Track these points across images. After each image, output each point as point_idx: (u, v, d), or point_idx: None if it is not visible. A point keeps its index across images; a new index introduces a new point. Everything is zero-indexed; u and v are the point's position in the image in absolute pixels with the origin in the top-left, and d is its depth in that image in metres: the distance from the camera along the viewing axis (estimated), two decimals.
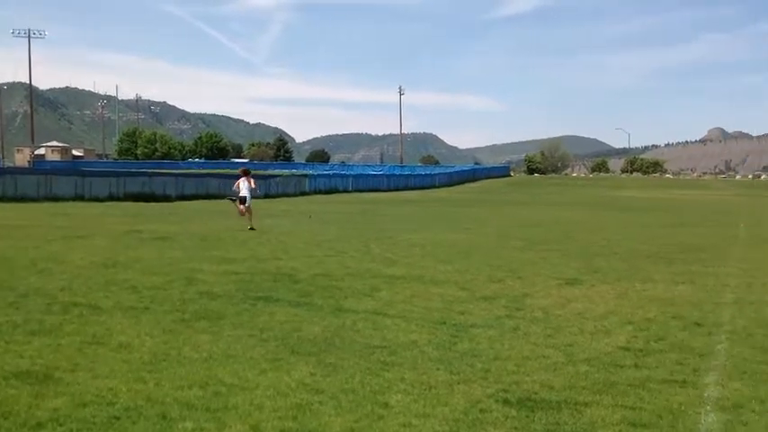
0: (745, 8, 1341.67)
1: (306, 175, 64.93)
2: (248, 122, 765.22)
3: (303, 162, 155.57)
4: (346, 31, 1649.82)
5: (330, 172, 79.94)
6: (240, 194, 24.29)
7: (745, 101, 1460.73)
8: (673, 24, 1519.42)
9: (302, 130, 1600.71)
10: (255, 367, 7.45)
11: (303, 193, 57.48)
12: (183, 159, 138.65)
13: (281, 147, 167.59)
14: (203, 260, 15.50)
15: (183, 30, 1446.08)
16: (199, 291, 11.77)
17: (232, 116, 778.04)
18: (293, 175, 64.67)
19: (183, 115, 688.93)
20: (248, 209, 24.05)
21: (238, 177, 25.37)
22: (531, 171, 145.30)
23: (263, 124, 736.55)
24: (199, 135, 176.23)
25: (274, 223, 27.00)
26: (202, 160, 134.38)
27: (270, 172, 69.79)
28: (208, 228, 24.07)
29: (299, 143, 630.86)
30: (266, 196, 50.58)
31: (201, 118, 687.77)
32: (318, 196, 55.73)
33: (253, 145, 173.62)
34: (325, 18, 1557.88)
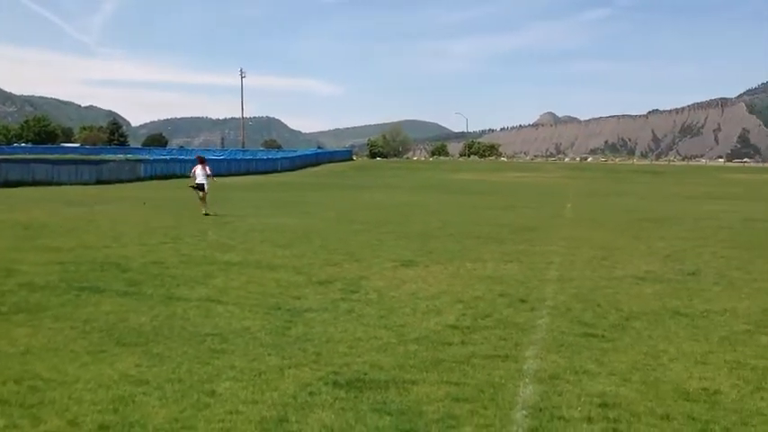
0: None
1: (141, 161, 62.57)
2: (80, 105, 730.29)
3: (139, 147, 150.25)
4: (185, 12, 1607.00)
5: (167, 157, 77.35)
6: (197, 181, 25.25)
7: (574, 87, 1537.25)
8: (508, 12, 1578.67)
9: (139, 114, 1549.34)
10: (77, 360, 7.15)
11: (138, 179, 55.40)
12: (9, 144, 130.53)
13: (114, 131, 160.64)
14: (25, 250, 14.69)
15: (6, 6, 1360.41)
16: (18, 282, 11.16)
17: (62, 99, 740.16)
18: (127, 160, 62.06)
19: (9, 97, 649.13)
20: (204, 195, 25.01)
21: (194, 165, 26.25)
22: (373, 155, 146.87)
23: (96, 107, 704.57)
24: (25, 118, 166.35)
25: (105, 210, 25.94)
26: (30, 145, 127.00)
27: (102, 157, 66.98)
28: (32, 216, 22.82)
29: (136, 127, 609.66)
30: (98, 182, 48.54)
31: (29, 100, 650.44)
32: (155, 182, 53.93)
33: (84, 129, 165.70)
34: None
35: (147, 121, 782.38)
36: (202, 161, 26.19)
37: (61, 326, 8.53)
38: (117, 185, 47.13)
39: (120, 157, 67.75)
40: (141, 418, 5.67)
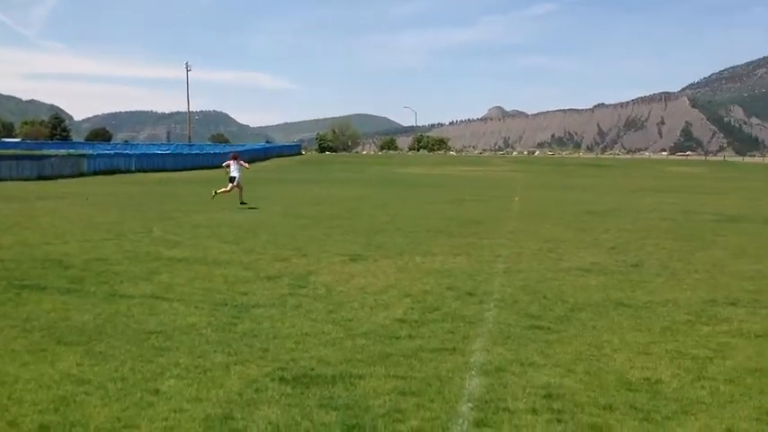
0: None
1: (84, 155, 61.28)
2: (21, 99, 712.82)
3: (82, 141, 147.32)
4: (130, 4, 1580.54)
5: (112, 151, 75.82)
6: (231, 174, 27.72)
7: (522, 81, 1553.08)
8: (456, 6, 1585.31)
9: (82, 108, 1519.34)
10: (16, 360, 6.99)
11: (81, 174, 54.33)
12: None
13: (57, 125, 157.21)
14: None
15: None
16: None
17: (2, 93, 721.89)
18: (70, 155, 60.70)
19: None
20: (239, 185, 27.55)
21: (229, 161, 28.69)
22: (322, 149, 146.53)
23: (38, 101, 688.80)
24: None
25: (47, 206, 25.41)
26: None
27: (44, 152, 65.42)
28: None
29: (79, 121, 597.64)
30: (40, 178, 47.52)
31: None
32: (99, 177, 53.01)
33: (26, 123, 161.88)
34: None
35: (91, 115, 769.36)
36: (236, 157, 28.73)
37: (1, 325, 8.33)
38: (59, 181, 46.17)
39: (63, 152, 66.21)
40: (82, 417, 5.56)
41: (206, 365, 6.94)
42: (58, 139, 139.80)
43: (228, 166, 28.43)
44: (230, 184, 27.70)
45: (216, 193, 27.60)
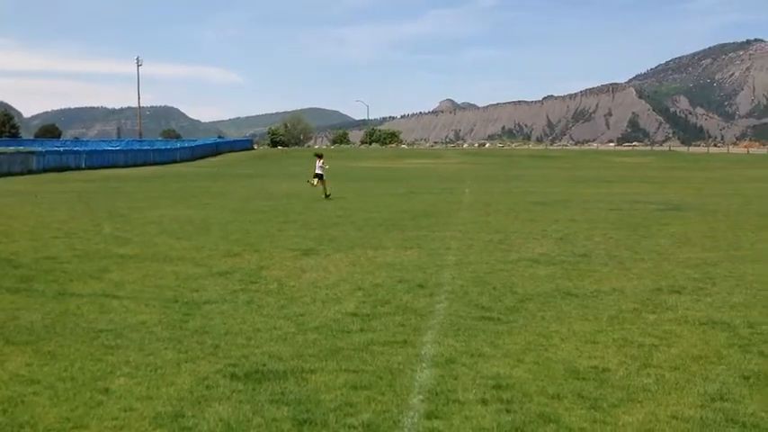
0: None
1: (33, 152, 60.12)
2: None
3: (31, 138, 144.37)
4: None
5: (61, 148, 74.52)
6: (316, 172, 30.33)
7: (472, 74, 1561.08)
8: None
9: (31, 104, 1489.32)
10: None
11: (30, 172, 53.40)
12: None
13: (5, 122, 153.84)
14: None
15: None
16: None
17: None
18: (18, 152, 59.52)
19: None
20: (323, 181, 29.97)
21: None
22: (274, 144, 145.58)
23: None
24: None
25: None
26: None
27: None
28: None
29: (28, 118, 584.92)
30: None
31: None
32: (48, 174, 52.10)
33: None
34: None
35: (40, 111, 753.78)
36: (320, 156, 31.04)
37: None
38: (7, 178, 45.28)
39: (11, 149, 64.90)
40: (31, 418, 5.51)
41: (156, 363, 6.91)
42: (6, 136, 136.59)
43: (315, 165, 31.10)
44: (316, 180, 30.30)
45: (327, 195, 29.42)
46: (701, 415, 5.70)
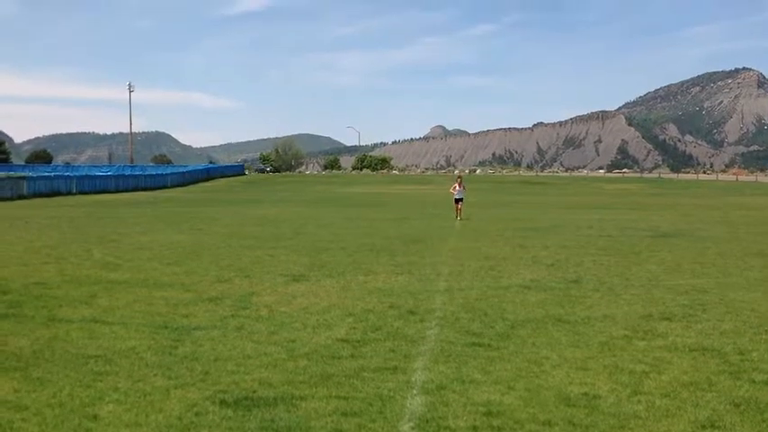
0: (458, 13, 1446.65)
1: (24, 177, 60.09)
2: None
3: (22, 164, 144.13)
4: (69, 24, 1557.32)
5: (52, 173, 74.48)
6: (456, 197, 32.99)
7: (463, 100, 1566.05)
8: (396, 26, 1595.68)
9: (22, 130, 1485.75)
10: None
11: (21, 197, 53.35)
12: None
13: None
14: None
15: None
16: None
17: None
18: (9, 177, 59.42)
19: None
20: (460, 207, 32.46)
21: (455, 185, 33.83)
22: (261, 171, 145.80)
23: None
24: None
25: None
26: None
27: None
28: None
29: (19, 143, 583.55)
30: None
31: None
32: (39, 200, 51.98)
33: None
34: (44, 8, 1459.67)
35: (32, 137, 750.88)
36: (460, 181, 33.69)
37: None
38: None
39: (2, 174, 64.76)
40: None
41: (146, 389, 6.87)
42: None
43: (455, 189, 33.45)
44: (458, 204, 32.46)
45: (460, 219, 31.40)
46: None
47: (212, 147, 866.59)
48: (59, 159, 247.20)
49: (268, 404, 6.46)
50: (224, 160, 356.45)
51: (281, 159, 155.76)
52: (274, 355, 8.22)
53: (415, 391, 6.87)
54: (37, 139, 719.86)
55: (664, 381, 7.36)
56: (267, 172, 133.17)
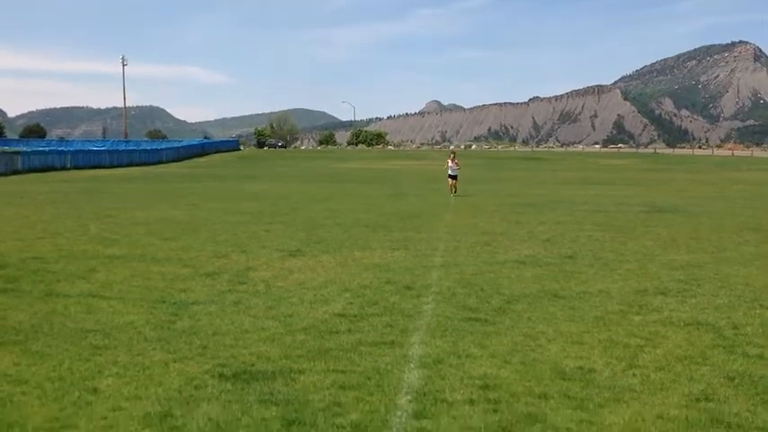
0: None
1: (18, 153, 59.81)
2: None
3: (16, 138, 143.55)
4: None
5: (46, 148, 74.20)
6: (450, 173, 32.54)
7: (459, 75, 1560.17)
8: None
9: (15, 104, 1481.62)
10: None
11: (15, 172, 53.16)
12: None
13: None
14: None
15: None
16: None
17: None
18: (3, 152, 59.17)
19: None
20: (455, 182, 32.16)
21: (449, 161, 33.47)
22: (261, 144, 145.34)
23: None
24: None
25: None
26: None
27: None
28: None
29: (12, 118, 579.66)
30: None
31: None
32: (33, 175, 51.88)
33: None
34: None
35: (25, 111, 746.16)
36: (454, 157, 33.22)
37: None
38: None
39: None
40: (20, 418, 5.51)
41: (145, 363, 6.92)
42: None
43: (448, 165, 32.98)
44: (452, 180, 32.06)
45: (456, 194, 31.32)
46: (686, 415, 5.76)
47: (207, 122, 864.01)
48: (53, 134, 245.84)
49: (266, 378, 6.52)
50: (219, 135, 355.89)
51: (276, 134, 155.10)
52: (272, 330, 8.27)
53: (412, 365, 6.93)
54: (30, 113, 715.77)
55: (658, 354, 7.43)
56: (279, 147, 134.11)
